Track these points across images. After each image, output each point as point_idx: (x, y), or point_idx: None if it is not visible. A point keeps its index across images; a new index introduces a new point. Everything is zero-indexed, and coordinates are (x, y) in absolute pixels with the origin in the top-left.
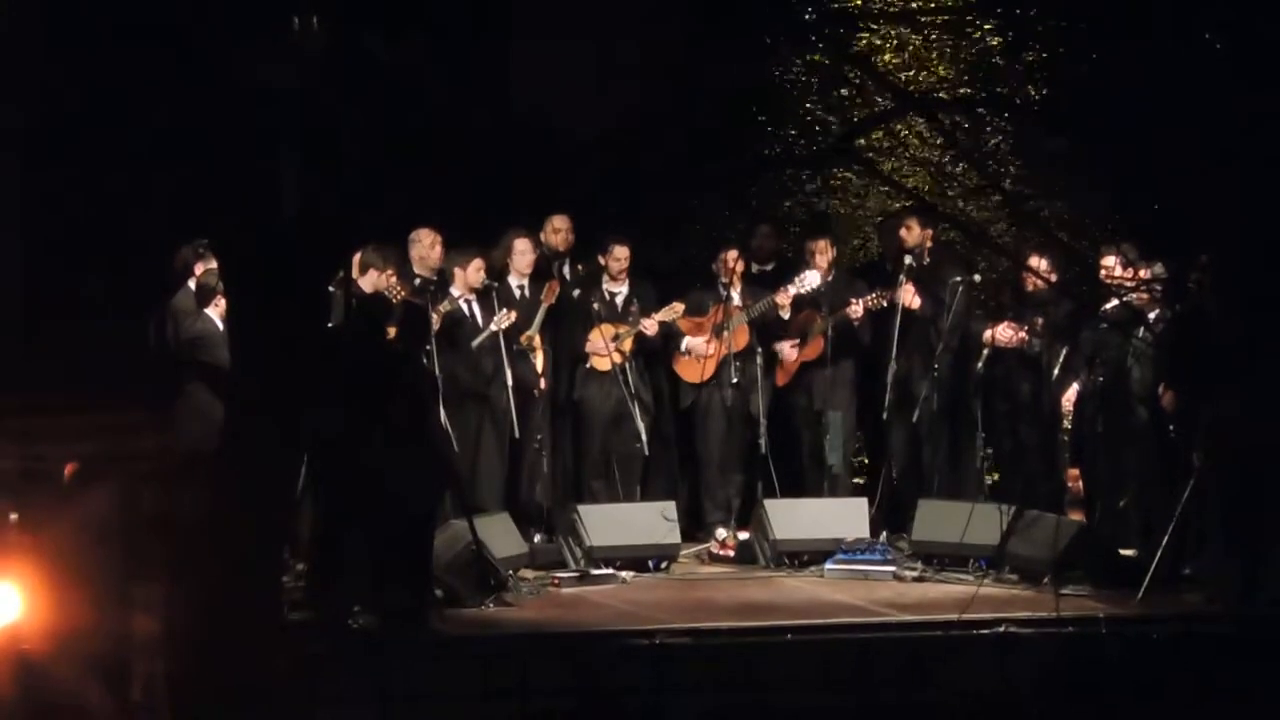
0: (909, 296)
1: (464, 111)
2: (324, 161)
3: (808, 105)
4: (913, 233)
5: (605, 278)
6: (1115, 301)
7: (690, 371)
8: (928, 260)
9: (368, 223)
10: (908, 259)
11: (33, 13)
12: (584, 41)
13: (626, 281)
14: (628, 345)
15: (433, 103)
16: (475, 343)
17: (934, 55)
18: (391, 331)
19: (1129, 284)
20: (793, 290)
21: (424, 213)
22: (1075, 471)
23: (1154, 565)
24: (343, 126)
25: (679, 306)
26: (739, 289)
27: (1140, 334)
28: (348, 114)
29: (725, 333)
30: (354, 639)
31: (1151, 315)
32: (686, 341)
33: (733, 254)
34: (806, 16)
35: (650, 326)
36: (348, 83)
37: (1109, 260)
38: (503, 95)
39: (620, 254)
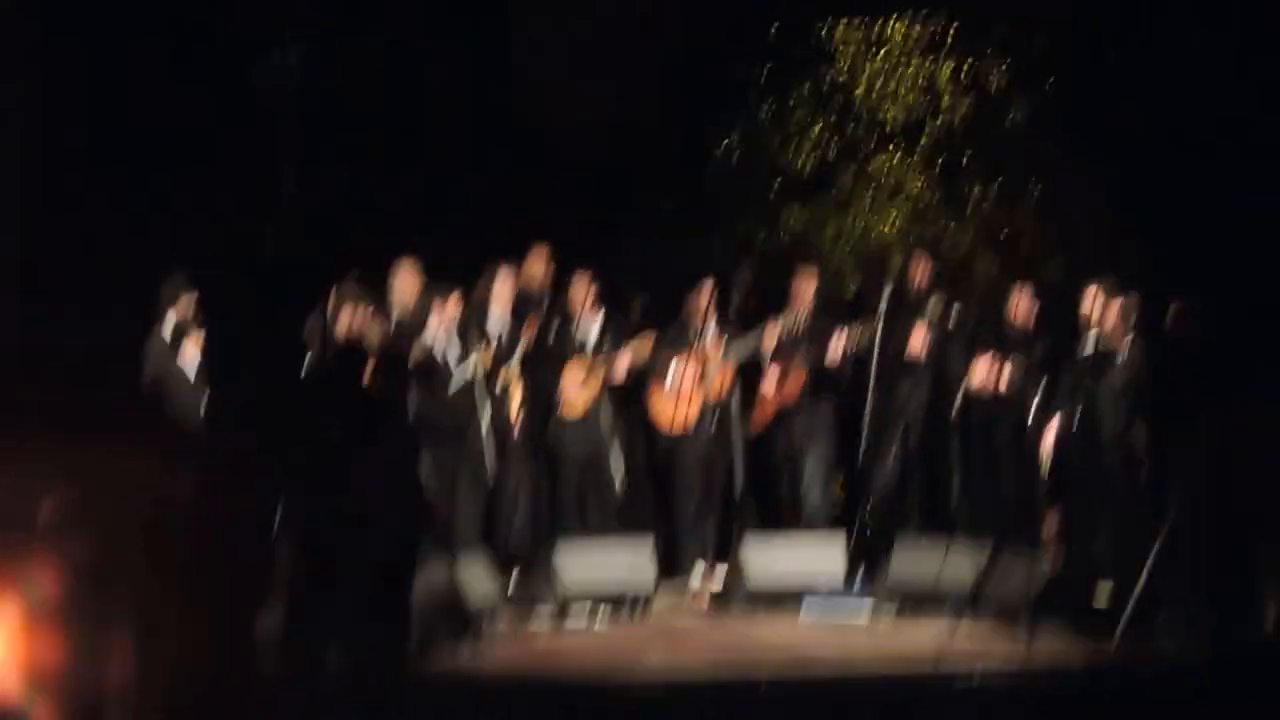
0: (919, 339)
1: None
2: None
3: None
4: (917, 270)
5: (576, 313)
6: (1092, 338)
7: (666, 418)
8: (911, 297)
9: (350, 255)
10: (885, 296)
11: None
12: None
13: (598, 314)
14: (600, 382)
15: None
16: (453, 383)
17: (904, 89)
18: (369, 371)
19: (1106, 321)
20: (771, 330)
21: (405, 245)
22: (1051, 512)
23: (1129, 609)
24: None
25: (648, 340)
26: (713, 326)
27: (1113, 371)
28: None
29: (705, 378)
30: (332, 681)
31: (1127, 350)
32: (668, 374)
33: (708, 288)
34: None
35: (619, 370)
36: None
37: (1087, 297)
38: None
39: (579, 285)
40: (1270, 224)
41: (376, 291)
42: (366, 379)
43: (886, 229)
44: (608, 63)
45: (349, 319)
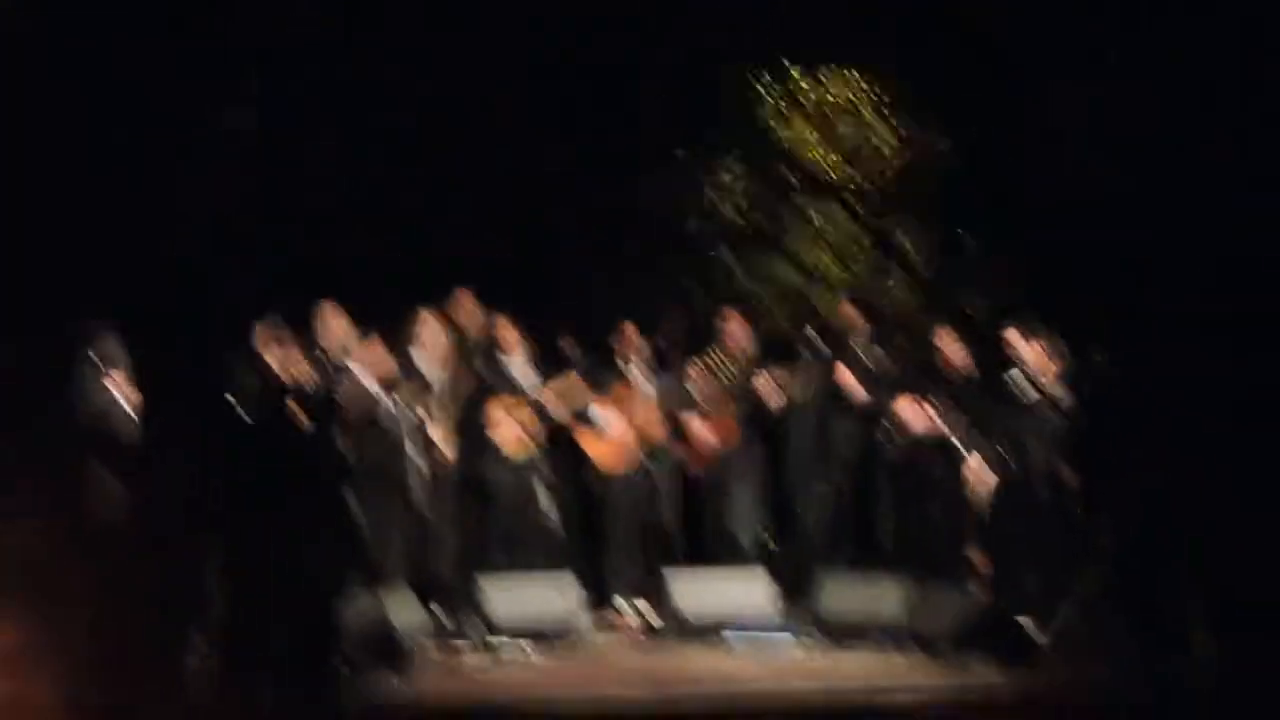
0: (849, 378)
1: None
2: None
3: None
4: (847, 313)
5: (503, 354)
6: (1019, 378)
7: (602, 459)
8: (837, 337)
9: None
10: (814, 337)
11: None
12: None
13: (525, 356)
14: (528, 416)
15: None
16: (378, 416)
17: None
18: (297, 408)
19: (1032, 361)
20: (698, 372)
21: (328, 286)
22: (978, 547)
23: (1057, 643)
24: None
25: (573, 377)
26: (642, 365)
27: (1039, 410)
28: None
29: (634, 420)
30: (263, 713)
31: (1054, 390)
32: (595, 411)
33: (632, 329)
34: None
35: (548, 400)
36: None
37: (1013, 337)
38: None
39: (503, 326)
40: (1194, 267)
41: (301, 333)
42: (294, 415)
43: (817, 272)
44: (541, 103)
45: (276, 358)
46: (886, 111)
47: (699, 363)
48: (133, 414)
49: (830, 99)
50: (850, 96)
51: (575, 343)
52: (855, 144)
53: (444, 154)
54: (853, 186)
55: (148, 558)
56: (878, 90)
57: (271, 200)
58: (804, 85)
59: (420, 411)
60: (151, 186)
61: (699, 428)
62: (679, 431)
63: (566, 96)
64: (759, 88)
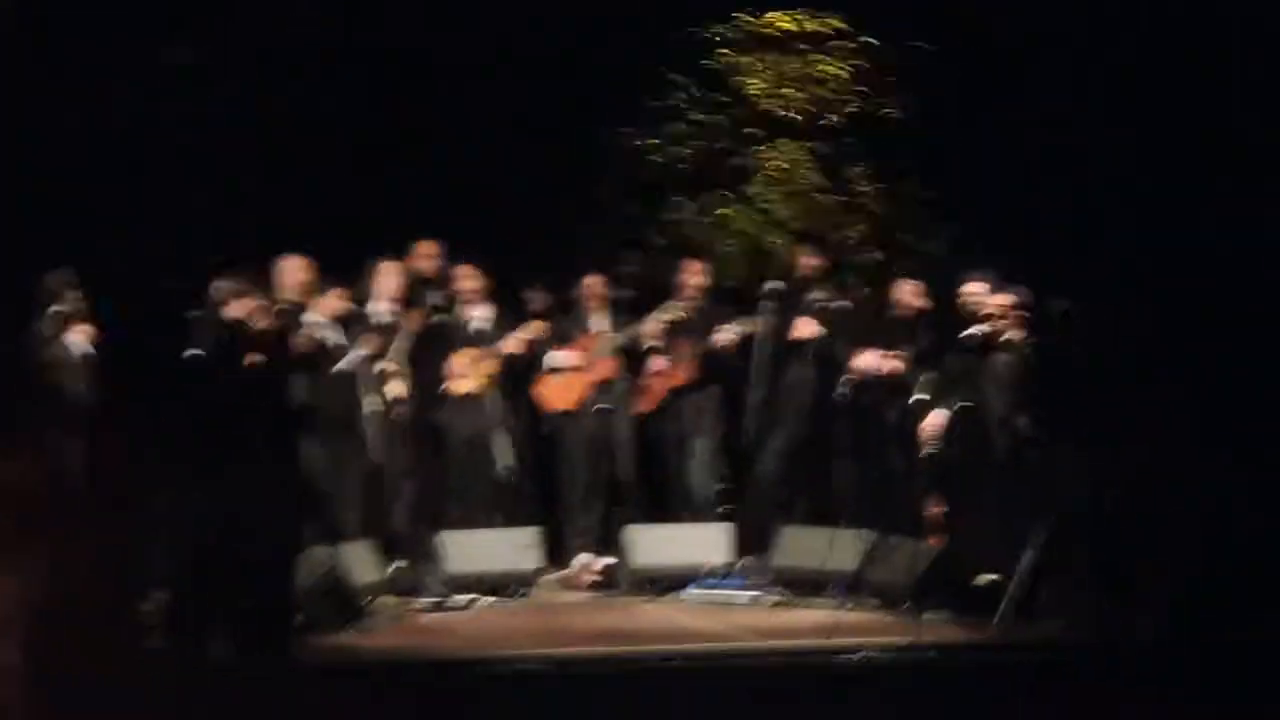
0: (805, 327)
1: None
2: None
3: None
4: (804, 260)
5: (463, 302)
6: (978, 328)
7: (554, 396)
8: (795, 285)
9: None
10: (770, 284)
11: None
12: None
13: (486, 305)
14: (488, 368)
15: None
16: (337, 369)
17: (799, 84)
18: (253, 359)
19: (991, 310)
20: (658, 319)
21: (288, 239)
22: (936, 498)
23: (1011, 592)
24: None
25: (537, 325)
26: (604, 316)
27: (998, 360)
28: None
29: (590, 359)
30: (214, 666)
31: (1013, 339)
32: (553, 356)
33: (595, 279)
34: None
35: (509, 345)
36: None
37: (973, 286)
38: None
39: (465, 274)
40: (1159, 223)
41: (262, 286)
42: (249, 362)
43: (774, 219)
44: (499, 52)
45: (234, 308)
46: (846, 55)
47: (656, 310)
48: (88, 368)
49: (790, 43)
50: (807, 41)
51: (538, 292)
52: (814, 91)
53: (404, 105)
54: (810, 131)
55: (103, 510)
56: (836, 33)
57: (231, 153)
58: (760, 28)
59: (379, 363)
60: (110, 138)
61: (655, 364)
62: (635, 373)
63: (524, 45)
64: (715, 31)
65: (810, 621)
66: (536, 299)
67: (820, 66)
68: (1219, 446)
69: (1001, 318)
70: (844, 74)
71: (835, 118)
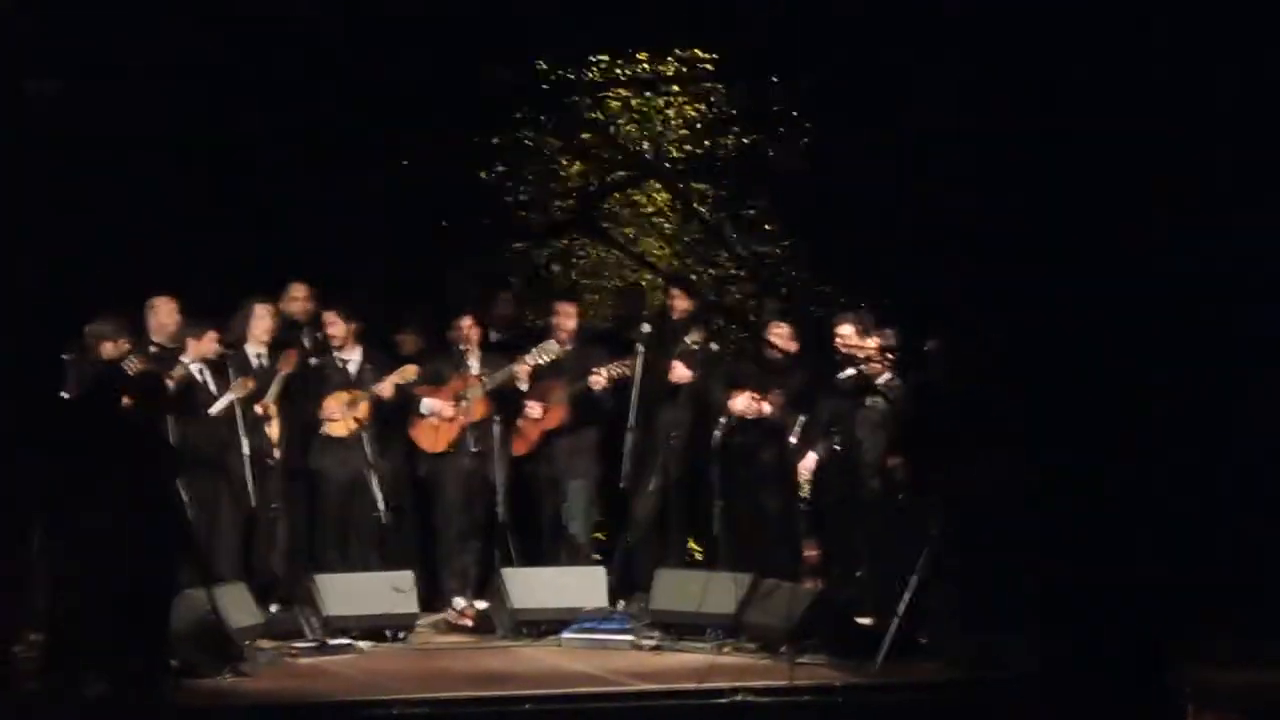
0: (680, 370)
1: None
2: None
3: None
4: (679, 302)
5: (336, 347)
6: (850, 370)
7: (428, 439)
8: (668, 327)
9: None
10: (644, 327)
11: None
12: None
13: (358, 349)
14: (363, 411)
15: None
16: (211, 411)
17: (676, 121)
18: (127, 400)
19: (863, 353)
20: (531, 361)
21: (161, 281)
22: (812, 540)
23: (889, 633)
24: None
25: (411, 369)
26: (477, 357)
27: (870, 402)
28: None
29: (464, 402)
30: (89, 708)
31: (884, 382)
32: (425, 403)
33: (469, 321)
34: (545, 86)
35: (384, 389)
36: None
37: (845, 329)
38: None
39: (333, 321)
40: (1023, 258)
41: (135, 328)
42: (125, 404)
43: (647, 260)
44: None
45: (108, 349)
46: (719, 98)
47: (532, 351)
48: None
49: (659, 84)
50: (677, 83)
51: (409, 334)
52: (680, 132)
53: (276, 148)
54: (681, 172)
55: None
56: (707, 76)
57: (103, 192)
58: (631, 70)
59: (252, 402)
60: None
61: (529, 409)
62: (509, 414)
63: (393, 88)
64: (587, 72)
65: (688, 664)
66: (408, 341)
67: (690, 107)
68: (1093, 477)
69: (873, 360)
70: (711, 115)
71: (705, 157)
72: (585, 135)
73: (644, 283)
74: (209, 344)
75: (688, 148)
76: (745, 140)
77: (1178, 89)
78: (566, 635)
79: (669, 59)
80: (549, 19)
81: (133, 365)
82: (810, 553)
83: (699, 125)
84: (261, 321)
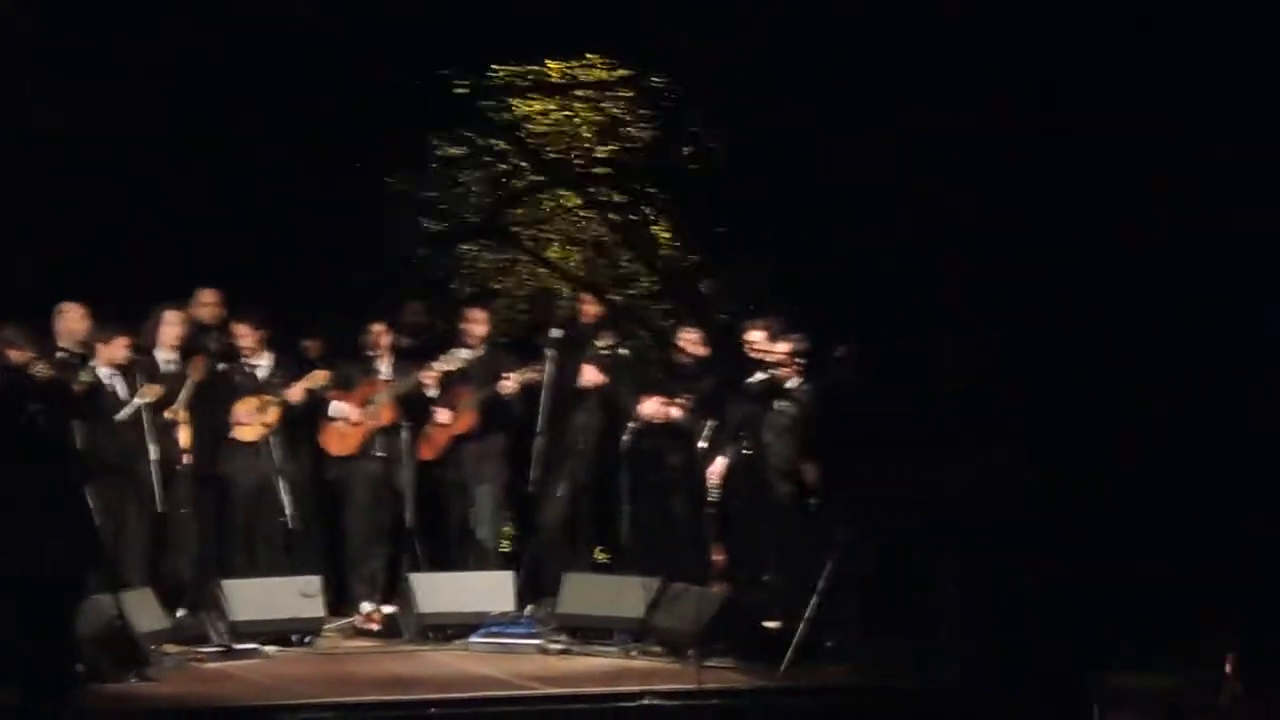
0: (589, 375)
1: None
2: None
3: (459, 180)
4: (589, 308)
5: (245, 353)
6: (759, 375)
7: (336, 443)
8: (578, 332)
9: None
10: (554, 332)
11: None
12: None
13: (267, 354)
14: (272, 417)
15: None
16: (119, 416)
17: (584, 129)
18: (34, 406)
19: (772, 358)
20: (439, 367)
21: (70, 286)
22: (719, 544)
23: (797, 638)
24: None
25: (321, 375)
26: (387, 363)
27: (779, 407)
28: None
29: (372, 406)
30: None
31: (793, 387)
32: (334, 406)
33: (379, 327)
34: (457, 90)
35: (293, 395)
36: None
37: (754, 334)
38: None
39: (242, 331)
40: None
41: (42, 333)
42: (32, 414)
43: (557, 266)
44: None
45: (14, 354)
46: (630, 103)
47: (441, 357)
48: None
49: (574, 89)
50: (592, 88)
51: (320, 341)
52: (599, 134)
53: (193, 155)
54: (593, 177)
55: None
56: (620, 80)
57: (8, 195)
58: (544, 74)
59: (160, 408)
60: None
61: (437, 414)
62: (417, 420)
63: (311, 89)
64: (499, 77)
65: (596, 668)
66: (314, 346)
67: (607, 112)
68: (1004, 482)
69: (782, 365)
70: (627, 119)
71: (617, 161)
72: (494, 141)
73: (554, 288)
74: (118, 349)
75: (598, 152)
76: (653, 140)
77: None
78: (474, 640)
79: (576, 64)
80: (462, 23)
81: (40, 371)
82: (718, 557)
83: (605, 129)
84: (171, 328)
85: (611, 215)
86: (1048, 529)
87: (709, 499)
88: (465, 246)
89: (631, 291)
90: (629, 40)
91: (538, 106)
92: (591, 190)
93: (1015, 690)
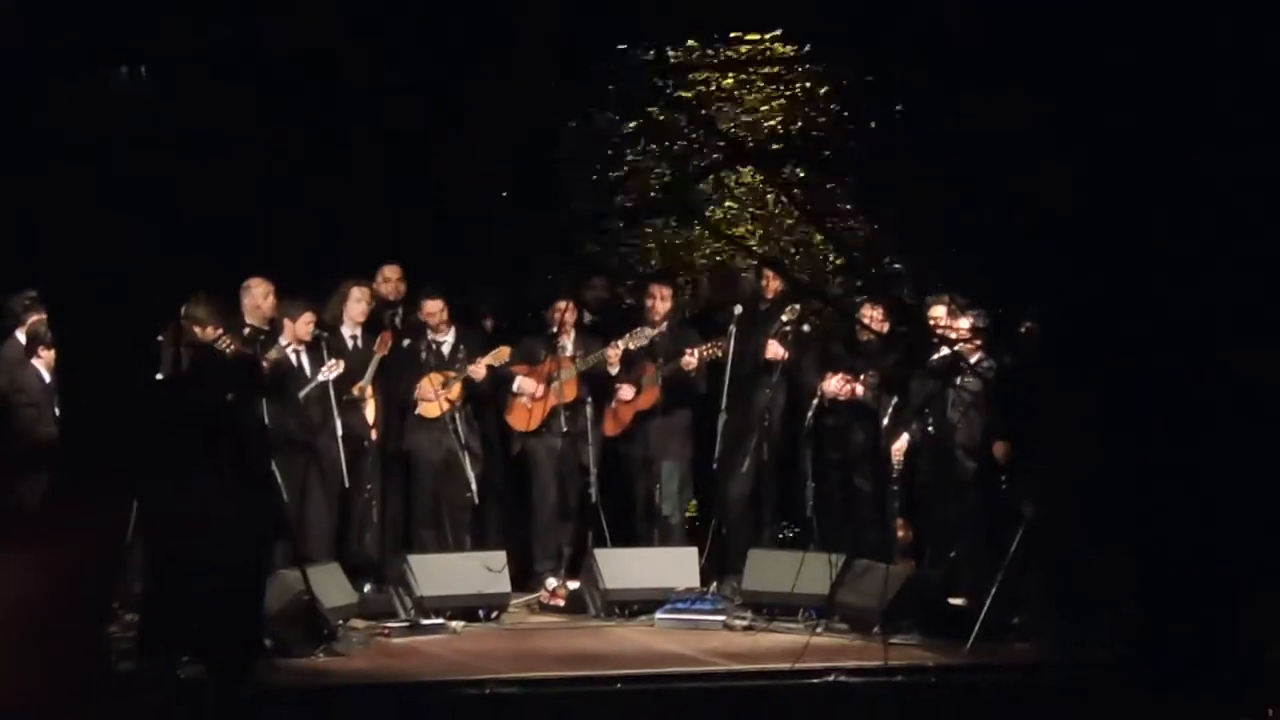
0: (773, 350)
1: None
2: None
3: (630, 157)
4: (772, 284)
5: (430, 329)
6: (943, 352)
7: (520, 419)
8: (760, 309)
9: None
10: (737, 309)
11: None
12: None
13: (451, 329)
14: (456, 392)
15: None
16: (303, 393)
17: (765, 106)
18: (222, 379)
19: (956, 334)
20: (623, 345)
21: (258, 261)
22: (904, 521)
23: (983, 615)
24: (175, 174)
25: (504, 351)
26: (571, 339)
27: (962, 382)
28: (179, 161)
29: (555, 383)
30: (183, 689)
31: (978, 363)
32: (518, 382)
33: (564, 304)
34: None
35: (477, 371)
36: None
37: (937, 310)
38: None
39: (432, 308)
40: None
41: (229, 309)
42: (219, 387)
43: (741, 243)
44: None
45: (202, 331)
46: (809, 82)
47: (623, 335)
48: (57, 389)
49: (759, 68)
50: (771, 67)
51: (502, 318)
52: (775, 116)
53: (366, 127)
54: (777, 155)
55: (70, 528)
56: (800, 60)
57: (195, 174)
58: (727, 52)
59: (346, 384)
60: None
61: (620, 390)
62: (600, 396)
63: (487, 73)
64: (678, 57)
65: (780, 645)
66: (500, 322)
67: (788, 91)
68: (1190, 463)
69: (965, 341)
70: (811, 98)
71: (800, 142)
72: (678, 117)
73: (738, 264)
74: (304, 326)
75: (780, 129)
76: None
77: None
78: (659, 616)
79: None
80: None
81: (227, 347)
82: (902, 534)
83: (796, 110)
84: (356, 303)
85: (795, 191)
86: (1238, 509)
87: (892, 476)
88: (649, 222)
89: (813, 268)
90: (812, 19)
91: (728, 83)
92: (774, 168)
93: (1196, 668)
